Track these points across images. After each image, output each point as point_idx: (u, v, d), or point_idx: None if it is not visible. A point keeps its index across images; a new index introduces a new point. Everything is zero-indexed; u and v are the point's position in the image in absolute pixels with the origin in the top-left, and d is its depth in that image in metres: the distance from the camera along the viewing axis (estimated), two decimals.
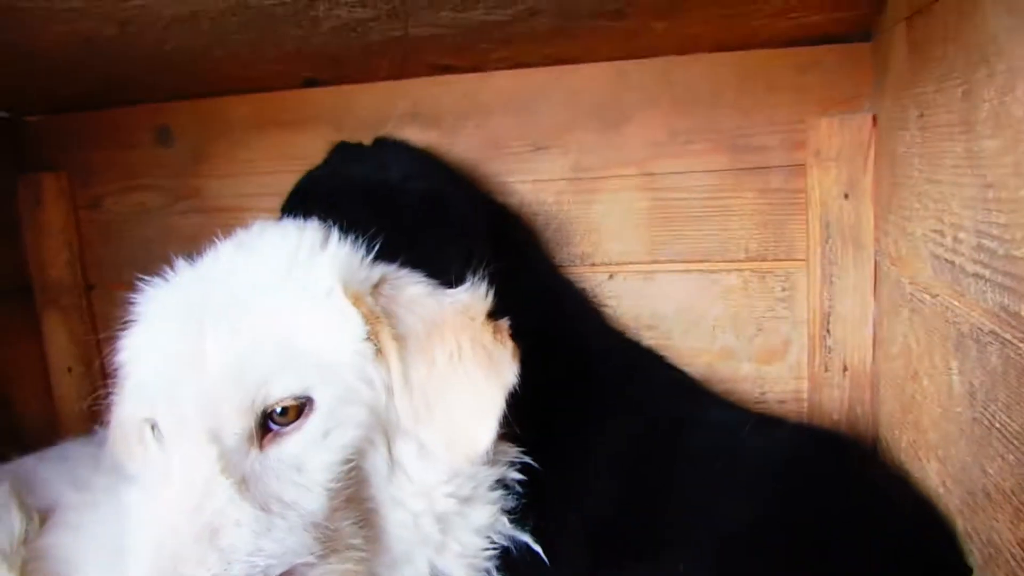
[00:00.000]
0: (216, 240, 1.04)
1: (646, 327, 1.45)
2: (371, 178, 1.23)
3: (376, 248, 0.99)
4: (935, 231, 1.02)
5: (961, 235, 0.92)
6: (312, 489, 0.86)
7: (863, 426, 1.38)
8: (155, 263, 1.02)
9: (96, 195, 1.72)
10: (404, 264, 1.03)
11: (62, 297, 1.74)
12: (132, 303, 1.01)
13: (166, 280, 1.00)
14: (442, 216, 1.20)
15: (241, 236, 1.03)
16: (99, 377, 1.63)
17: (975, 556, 0.91)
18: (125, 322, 1.01)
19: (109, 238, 1.73)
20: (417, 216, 1.17)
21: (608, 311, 1.45)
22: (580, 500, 1.06)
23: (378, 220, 1.09)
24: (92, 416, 1.70)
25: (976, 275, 0.89)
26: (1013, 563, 0.80)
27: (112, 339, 1.04)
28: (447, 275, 1.01)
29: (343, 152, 1.34)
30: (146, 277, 1.02)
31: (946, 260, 0.98)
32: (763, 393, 1.44)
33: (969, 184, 0.89)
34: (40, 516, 1.21)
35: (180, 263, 1.02)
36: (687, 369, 1.43)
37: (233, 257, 0.98)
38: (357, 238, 0.99)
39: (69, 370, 1.77)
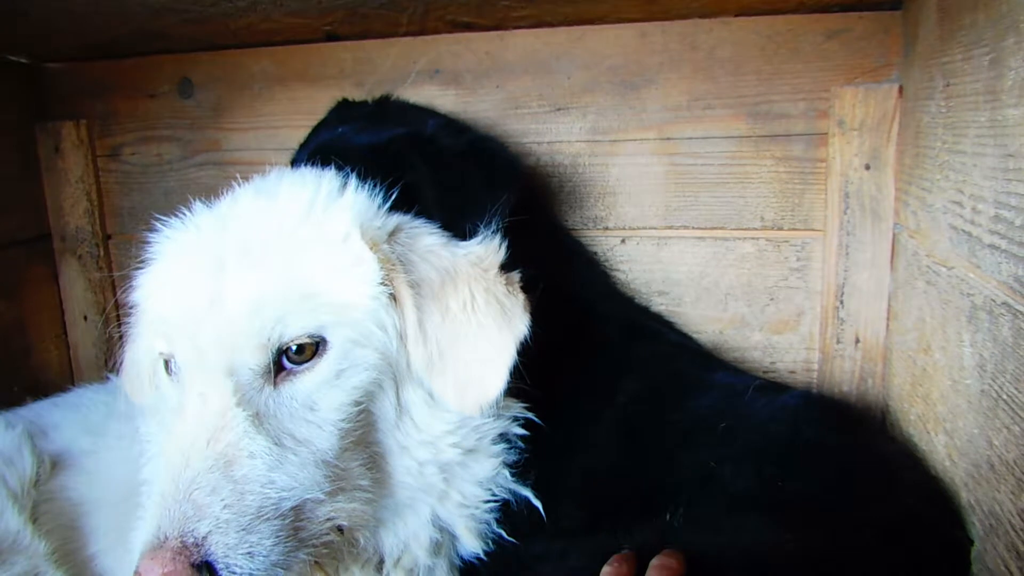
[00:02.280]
0: (233, 187, 1.05)
1: (657, 293, 1.45)
2: (398, 133, 1.22)
3: (405, 194, 1.00)
4: (955, 202, 1.00)
5: (980, 206, 0.91)
6: (324, 427, 0.88)
7: (873, 398, 1.37)
8: (173, 215, 1.03)
9: (115, 145, 1.73)
10: (439, 210, 1.03)
11: (80, 246, 1.76)
12: (149, 243, 1.02)
13: (184, 222, 1.01)
14: (488, 162, 1.21)
15: (259, 182, 1.05)
16: (114, 325, 1.66)
17: (976, 528, 0.91)
18: (141, 261, 1.02)
19: (128, 188, 1.74)
20: (463, 163, 1.18)
21: (619, 276, 1.44)
22: (581, 457, 1.07)
23: (416, 168, 1.10)
24: (106, 364, 1.74)
25: (992, 246, 0.87)
26: (1013, 533, 0.80)
27: (128, 285, 1.06)
28: (480, 221, 1.02)
29: (346, 110, 1.34)
30: (164, 220, 1.03)
31: (964, 232, 0.97)
32: (773, 363, 1.44)
33: (991, 154, 0.88)
34: (52, 460, 1.23)
35: (198, 206, 1.03)
36: (698, 337, 1.43)
37: (252, 202, 1.00)
38: (377, 187, 1.00)
39: (85, 318, 1.79)
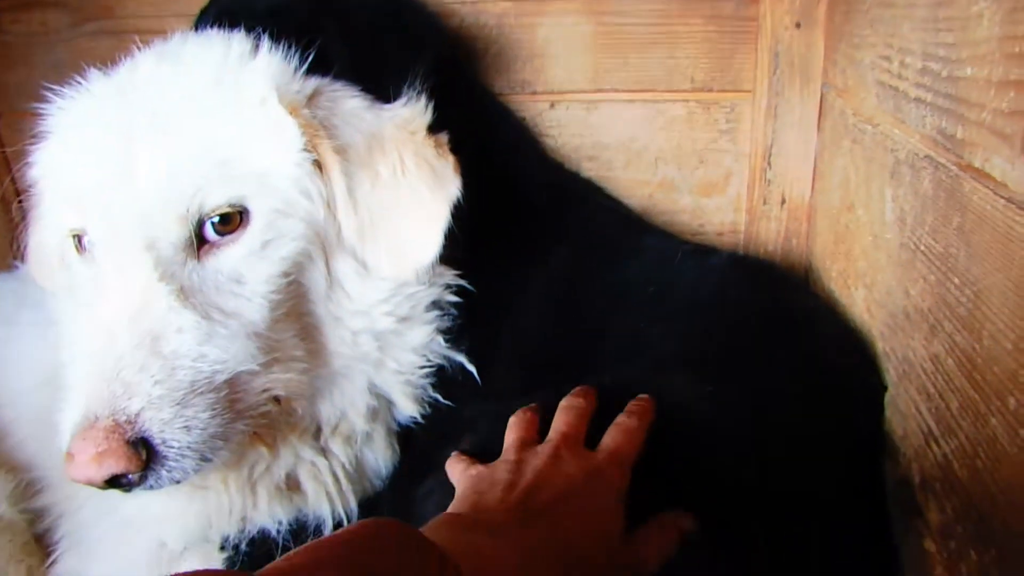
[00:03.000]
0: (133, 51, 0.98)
1: (587, 158, 1.43)
2: None
3: (319, 58, 0.95)
4: (883, 57, 1.00)
5: (908, 59, 0.91)
6: (252, 300, 0.85)
7: (797, 257, 1.42)
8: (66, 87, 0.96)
9: None
10: (355, 74, 0.99)
11: None
12: (43, 115, 0.95)
13: (79, 91, 0.95)
14: (405, 23, 1.15)
15: (160, 47, 0.98)
16: (16, 209, 1.56)
17: (890, 374, 0.96)
18: (35, 136, 0.95)
19: (11, 62, 1.58)
20: (375, 22, 1.12)
21: (549, 141, 1.42)
22: (513, 323, 1.08)
23: (326, 29, 1.04)
24: (11, 250, 1.65)
25: (918, 99, 0.88)
26: (924, 377, 0.84)
27: (23, 163, 0.99)
28: (401, 85, 0.98)
29: None
30: (57, 90, 0.95)
31: (890, 87, 0.97)
32: (702, 225, 1.45)
33: (922, 4, 0.87)
34: None
35: (94, 74, 0.96)
36: (628, 201, 1.43)
37: (155, 67, 0.93)
38: (289, 50, 0.94)
39: None
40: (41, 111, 0.96)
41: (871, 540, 0.89)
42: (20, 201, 1.12)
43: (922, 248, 0.86)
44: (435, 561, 0.58)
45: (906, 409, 0.90)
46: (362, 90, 0.98)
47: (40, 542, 1.10)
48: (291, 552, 0.54)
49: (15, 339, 1.20)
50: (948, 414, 0.78)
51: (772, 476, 0.82)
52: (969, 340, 0.74)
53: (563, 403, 0.85)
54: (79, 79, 0.96)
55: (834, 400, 0.94)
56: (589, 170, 1.43)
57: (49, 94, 0.96)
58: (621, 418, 0.82)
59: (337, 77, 0.98)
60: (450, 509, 0.75)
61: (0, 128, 1.63)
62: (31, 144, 0.97)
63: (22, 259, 1.16)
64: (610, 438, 0.81)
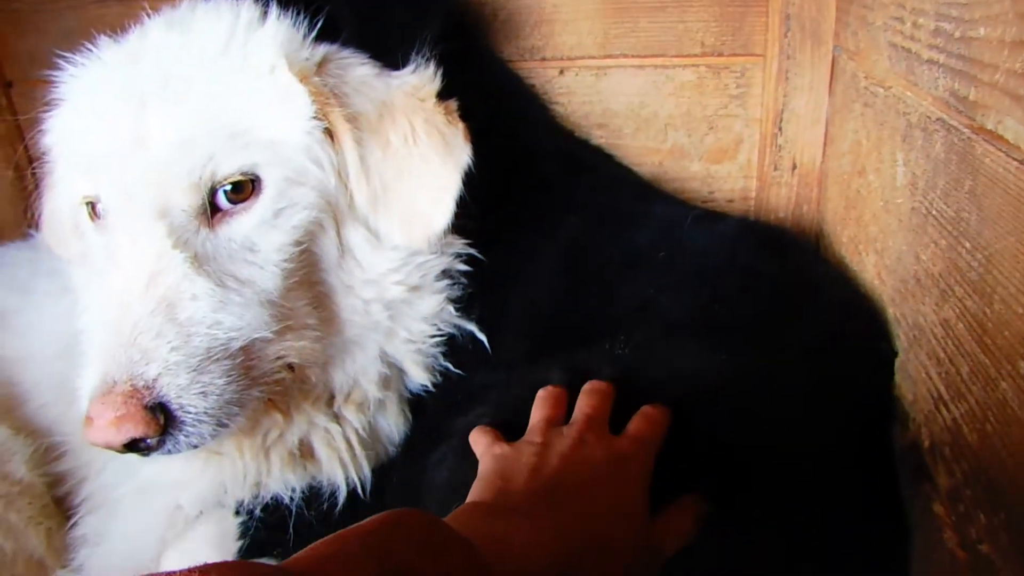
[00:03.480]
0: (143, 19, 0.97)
1: (597, 125, 1.42)
2: None
3: (327, 25, 0.94)
4: (895, 18, 0.98)
5: (921, 20, 0.90)
6: (265, 268, 0.86)
7: (807, 223, 1.41)
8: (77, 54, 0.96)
9: None
10: (363, 41, 0.99)
11: None
12: (55, 83, 0.96)
13: (91, 58, 0.95)
14: None
15: (170, 14, 0.97)
16: (29, 177, 1.57)
17: (901, 340, 0.96)
18: (48, 103, 0.95)
19: (22, 31, 1.58)
20: None
21: (558, 109, 1.41)
22: (523, 291, 1.08)
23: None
24: (25, 219, 1.66)
25: (931, 61, 0.87)
26: (934, 342, 0.84)
27: (37, 131, 0.99)
28: (409, 52, 0.97)
29: None
30: (68, 57, 0.96)
31: (903, 48, 0.96)
32: (711, 192, 1.45)
33: None
34: None
35: (104, 41, 0.96)
36: (638, 169, 1.42)
37: (165, 35, 0.93)
38: (297, 17, 0.93)
39: None
40: (53, 78, 0.97)
41: (880, 504, 0.89)
42: (33, 169, 1.13)
43: (933, 212, 0.85)
44: (460, 551, 0.58)
45: (916, 374, 0.90)
46: (370, 57, 0.97)
47: (60, 505, 1.13)
48: (316, 543, 0.54)
49: (31, 307, 1.21)
50: (958, 379, 0.78)
51: (782, 443, 0.82)
52: (980, 304, 0.74)
53: (588, 386, 0.85)
54: (90, 46, 0.96)
55: (844, 365, 0.94)
56: (599, 137, 1.42)
57: (60, 62, 0.96)
58: (647, 408, 0.82)
59: (345, 44, 0.97)
60: (474, 494, 0.75)
61: (12, 96, 1.63)
62: (43, 112, 0.97)
63: (37, 228, 1.17)
64: (635, 425, 0.81)
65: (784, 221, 1.42)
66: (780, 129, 1.36)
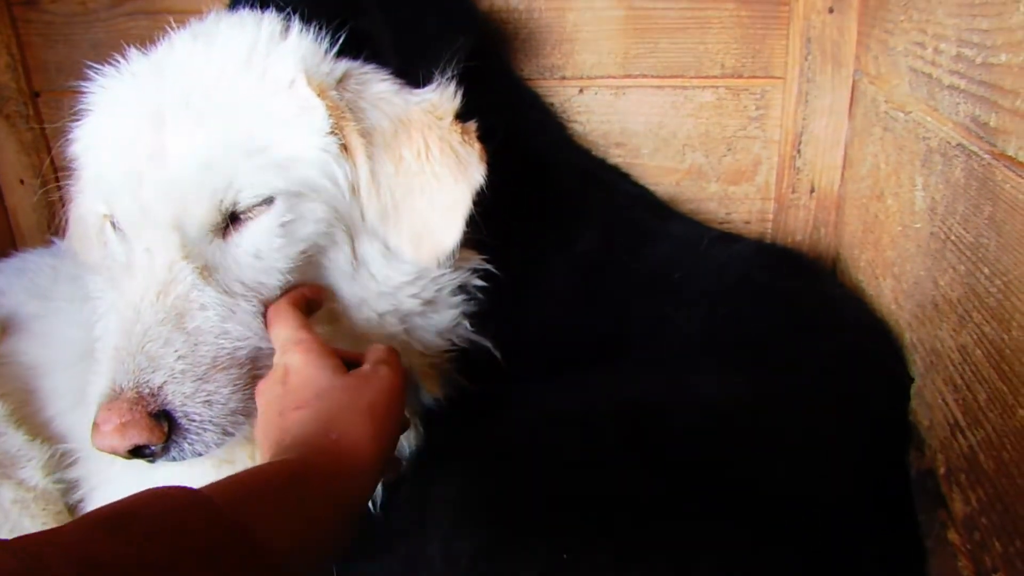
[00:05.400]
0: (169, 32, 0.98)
1: (615, 144, 1.42)
2: None
3: (352, 40, 0.95)
4: (916, 43, 0.98)
5: (942, 46, 0.90)
6: (271, 274, 0.86)
7: (825, 247, 1.40)
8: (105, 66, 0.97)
9: None
10: (397, 56, 1.00)
11: (7, 105, 1.64)
12: (83, 93, 0.97)
13: (119, 71, 0.96)
14: (445, 8, 1.16)
15: (196, 26, 0.98)
16: (53, 185, 1.59)
17: (918, 364, 0.95)
18: (76, 113, 0.97)
19: (51, 41, 1.61)
20: (418, 5, 1.13)
21: (577, 127, 1.41)
22: (539, 307, 1.08)
23: (368, 11, 1.04)
24: (49, 227, 1.68)
25: (951, 87, 0.87)
26: (952, 368, 0.84)
27: (63, 141, 1.01)
28: (436, 69, 0.98)
29: None
30: (97, 69, 0.97)
31: (924, 73, 0.96)
32: (728, 214, 1.44)
33: None
34: (1, 326, 1.21)
35: (133, 53, 0.97)
36: (655, 188, 1.42)
37: (190, 47, 0.94)
38: (322, 31, 0.94)
39: (21, 182, 1.71)
40: (80, 89, 0.98)
41: (895, 530, 0.88)
42: (58, 179, 1.14)
43: (952, 238, 0.85)
44: (200, 514, 0.57)
45: (932, 400, 0.89)
46: (396, 72, 0.98)
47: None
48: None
49: (52, 313, 1.22)
50: (975, 405, 0.78)
51: (797, 466, 0.82)
52: (998, 331, 0.73)
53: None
54: (117, 58, 0.97)
55: (860, 390, 0.93)
56: (617, 156, 1.42)
57: (88, 73, 0.97)
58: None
59: (372, 59, 0.98)
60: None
61: (39, 105, 1.66)
62: (71, 122, 0.98)
63: (60, 235, 1.18)
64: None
65: (801, 244, 1.42)
66: (799, 151, 1.36)
